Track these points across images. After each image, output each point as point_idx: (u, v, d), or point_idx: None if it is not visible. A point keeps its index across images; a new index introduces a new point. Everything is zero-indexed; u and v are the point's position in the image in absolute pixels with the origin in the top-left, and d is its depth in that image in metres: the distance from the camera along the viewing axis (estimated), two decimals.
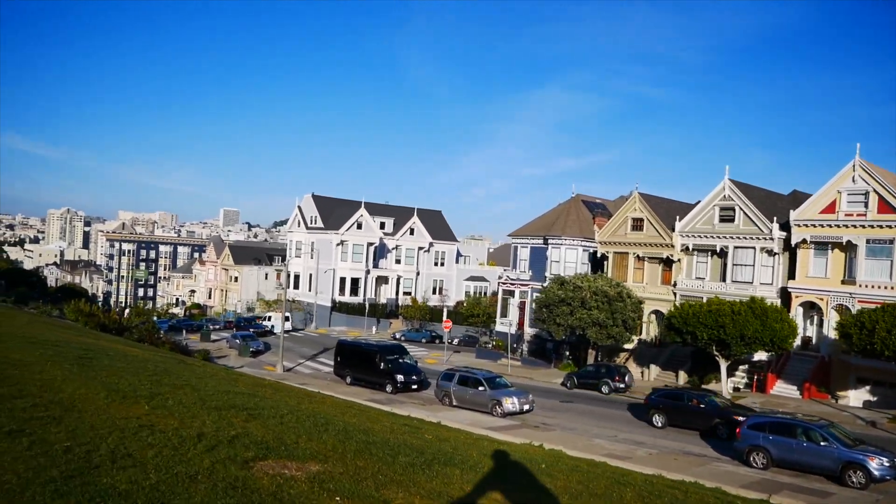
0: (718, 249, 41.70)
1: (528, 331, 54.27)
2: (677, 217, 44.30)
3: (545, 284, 51.43)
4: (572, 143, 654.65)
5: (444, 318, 73.63)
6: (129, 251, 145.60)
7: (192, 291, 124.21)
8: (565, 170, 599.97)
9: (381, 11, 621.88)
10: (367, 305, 71.09)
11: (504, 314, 56.49)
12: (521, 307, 54.62)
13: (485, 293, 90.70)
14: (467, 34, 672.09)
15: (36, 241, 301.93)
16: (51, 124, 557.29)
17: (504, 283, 55.85)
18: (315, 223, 77.63)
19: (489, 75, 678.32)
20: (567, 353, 49.63)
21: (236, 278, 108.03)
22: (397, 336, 65.46)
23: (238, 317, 67.14)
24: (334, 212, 78.05)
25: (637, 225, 45.99)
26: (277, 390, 18.39)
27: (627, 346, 44.29)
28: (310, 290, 77.12)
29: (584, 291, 39.02)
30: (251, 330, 56.11)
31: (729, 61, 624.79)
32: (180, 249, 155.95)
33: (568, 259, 51.06)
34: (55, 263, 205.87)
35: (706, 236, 42.18)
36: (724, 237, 41.33)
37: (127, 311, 71.85)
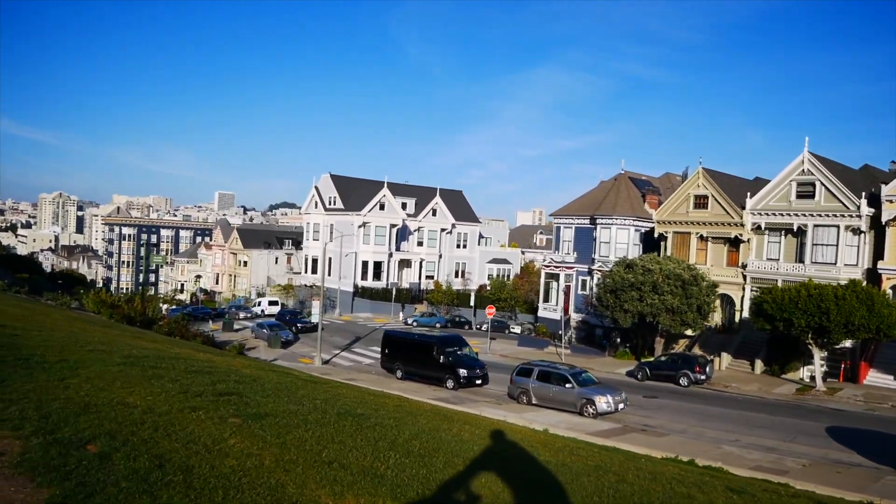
0: (795, 228, 38.41)
1: (574, 316, 51.11)
2: (748, 194, 40.93)
3: (594, 267, 48.16)
4: (570, 123, 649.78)
5: (472, 302, 70.50)
6: (129, 235, 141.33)
7: (198, 277, 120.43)
8: (563, 150, 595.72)
9: None
10: (393, 291, 67.69)
11: (546, 299, 53.22)
12: (567, 291, 51.35)
13: (508, 276, 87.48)
14: (462, 13, 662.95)
15: (28, 225, 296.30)
16: (40, 107, 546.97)
17: (547, 266, 52.51)
18: (334, 204, 73.92)
19: (485, 55, 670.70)
20: (618, 339, 46.52)
21: (245, 263, 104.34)
22: (409, 322, 62.15)
23: (284, 308, 63.35)
24: (354, 192, 74.34)
25: (701, 202, 42.62)
26: (396, 406, 15.00)
27: (688, 332, 41.15)
28: (329, 275, 73.58)
29: (655, 275, 35.71)
30: (298, 324, 51.95)
31: (726, 41, 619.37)
32: (182, 233, 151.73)
33: (619, 240, 47.71)
34: (50, 249, 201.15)
35: (782, 214, 38.85)
36: (803, 214, 38.00)
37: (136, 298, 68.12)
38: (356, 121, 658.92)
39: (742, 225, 40.34)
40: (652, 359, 37.32)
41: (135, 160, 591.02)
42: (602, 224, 48.28)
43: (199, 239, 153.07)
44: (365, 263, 71.09)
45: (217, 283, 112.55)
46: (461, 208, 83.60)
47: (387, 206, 72.23)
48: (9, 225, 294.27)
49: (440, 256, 79.56)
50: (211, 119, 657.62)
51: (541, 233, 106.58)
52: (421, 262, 77.22)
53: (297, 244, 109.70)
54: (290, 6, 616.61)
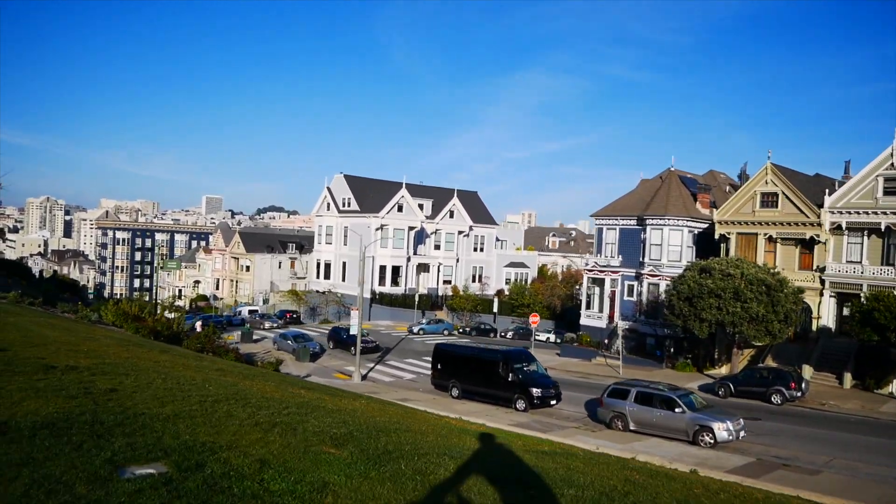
0: (883, 227, 35.13)
1: (621, 324, 47.60)
2: (825, 191, 37.64)
3: (643, 271, 44.73)
4: (554, 125, 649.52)
5: (495, 307, 66.95)
6: (123, 240, 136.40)
7: (197, 282, 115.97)
8: (548, 152, 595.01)
9: None
10: (416, 297, 63.98)
11: (589, 305, 49.69)
12: (612, 297, 47.85)
13: (526, 280, 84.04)
14: (446, 16, 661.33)
15: (15, 230, 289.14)
16: (23, 112, 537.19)
17: (591, 271, 48.95)
18: (348, 206, 70.07)
19: (469, 58, 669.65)
20: (671, 349, 43.09)
21: (248, 267, 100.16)
22: (415, 330, 58.26)
23: (336, 328, 57.89)
24: (368, 193, 70.57)
25: (769, 201, 39.28)
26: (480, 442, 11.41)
27: (757, 342, 37.72)
28: (344, 280, 69.76)
29: (735, 280, 32.26)
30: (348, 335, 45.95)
31: (711, 43, 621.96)
32: (177, 237, 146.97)
33: (671, 242, 44.29)
34: (40, 253, 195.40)
35: (867, 212, 35.56)
36: (893, 213, 34.74)
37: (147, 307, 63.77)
38: (340, 124, 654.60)
39: (819, 225, 37.03)
40: (723, 371, 33.81)
41: (120, 164, 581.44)
42: (652, 225, 44.84)
43: (194, 243, 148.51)
44: (383, 268, 67.26)
45: (217, 288, 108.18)
46: (477, 210, 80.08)
47: (405, 208, 68.52)
48: None
49: (457, 260, 75.95)
50: (195, 123, 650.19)
51: (553, 235, 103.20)
52: (439, 267, 73.54)
53: (301, 248, 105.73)
54: (273, 9, 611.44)
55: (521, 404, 28.05)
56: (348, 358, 43.66)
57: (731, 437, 21.94)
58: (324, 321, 64.99)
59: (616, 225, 48.02)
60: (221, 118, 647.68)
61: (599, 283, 48.51)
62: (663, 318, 41.60)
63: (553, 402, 28.42)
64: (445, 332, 60.90)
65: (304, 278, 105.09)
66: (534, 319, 44.91)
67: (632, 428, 23.96)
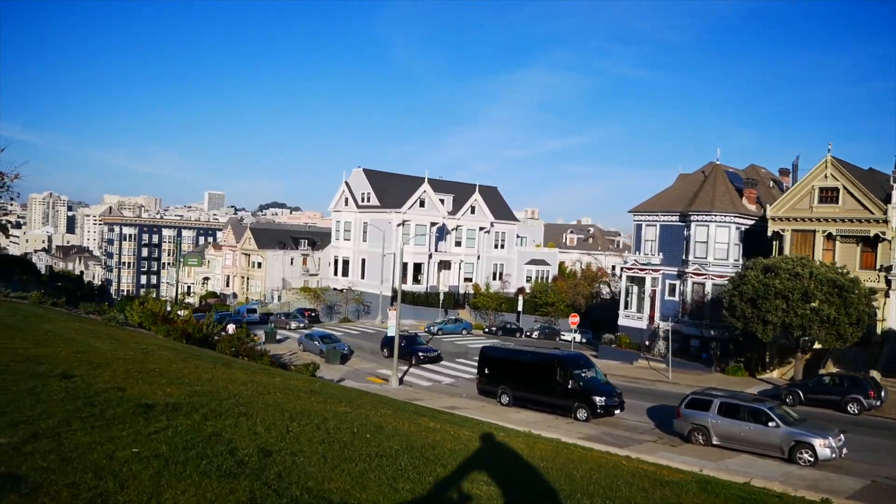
0: None
1: (662, 325, 45.51)
2: (881, 186, 35.50)
3: (687, 270, 42.59)
4: (556, 123, 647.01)
5: (519, 306, 64.87)
6: (130, 235, 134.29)
7: (206, 279, 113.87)
8: (550, 150, 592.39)
9: None
10: (440, 295, 61.92)
11: (627, 305, 47.56)
12: (652, 297, 45.71)
13: (547, 277, 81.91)
14: (448, 14, 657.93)
15: (18, 226, 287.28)
16: (26, 109, 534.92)
17: (630, 269, 46.78)
18: (368, 200, 67.91)
19: (471, 56, 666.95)
20: (718, 352, 40.94)
21: (259, 264, 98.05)
22: (433, 329, 55.96)
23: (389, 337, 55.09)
24: (388, 188, 68.42)
25: (829, 196, 37.09)
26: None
27: (826, 346, 35.50)
28: (362, 277, 67.65)
29: (804, 280, 30.11)
30: (420, 353, 40.74)
31: (712, 41, 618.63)
32: (184, 233, 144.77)
33: (718, 238, 42.12)
34: (44, 249, 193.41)
35: None
36: None
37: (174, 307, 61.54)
38: (341, 122, 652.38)
39: (886, 221, 34.84)
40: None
41: (122, 161, 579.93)
42: (697, 221, 42.66)
43: (201, 239, 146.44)
44: (405, 265, 65.03)
45: (227, 285, 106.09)
46: (498, 206, 77.91)
47: (427, 203, 66.37)
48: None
49: (478, 257, 73.83)
50: (196, 119, 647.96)
51: (571, 232, 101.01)
52: (460, 264, 71.44)
53: (313, 244, 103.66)
54: (275, 7, 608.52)
55: (582, 413, 25.96)
56: (379, 360, 41.62)
57: (833, 455, 19.85)
58: (343, 320, 62.89)
59: (656, 221, 45.86)
60: (223, 116, 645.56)
61: (639, 281, 46.36)
62: (710, 319, 39.50)
63: (616, 412, 26.35)
64: (464, 332, 58.85)
65: (317, 275, 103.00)
66: (573, 320, 42.86)
67: (715, 442, 21.87)
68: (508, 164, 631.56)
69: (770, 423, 20.75)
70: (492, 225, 74.34)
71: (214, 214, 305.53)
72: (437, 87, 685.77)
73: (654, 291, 45.57)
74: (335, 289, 70.79)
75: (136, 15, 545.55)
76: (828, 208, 37.04)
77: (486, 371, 30.58)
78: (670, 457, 19.46)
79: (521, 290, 73.31)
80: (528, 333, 62.35)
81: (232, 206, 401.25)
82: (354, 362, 41.41)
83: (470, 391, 32.96)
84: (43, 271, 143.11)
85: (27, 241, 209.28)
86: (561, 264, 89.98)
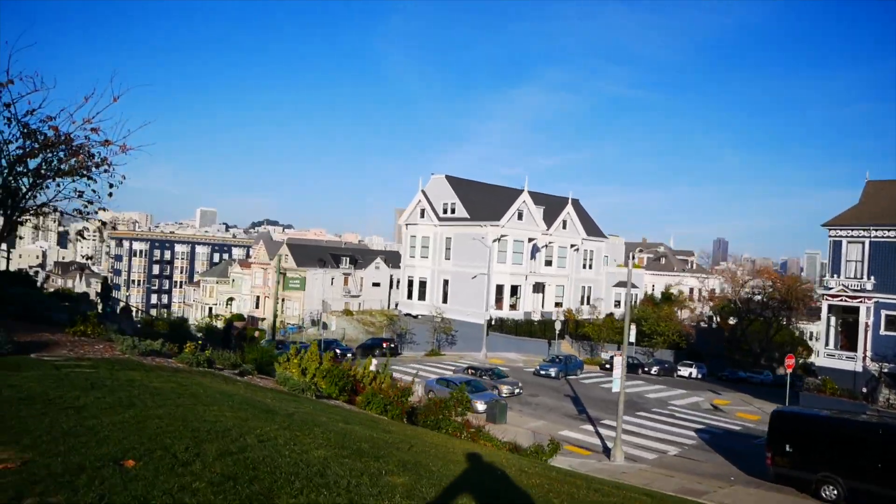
0: None
1: (871, 366, 36.47)
2: None
3: None
4: (549, 141, 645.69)
5: (632, 337, 55.54)
6: (141, 251, 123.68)
7: (231, 299, 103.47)
8: (543, 168, 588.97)
9: (357, 10, 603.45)
10: (557, 325, 52.49)
11: (827, 341, 38.45)
12: (865, 331, 36.67)
13: (635, 302, 72.86)
14: (444, 34, 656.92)
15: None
16: None
17: (834, 297, 37.65)
18: (453, 212, 58.64)
19: (466, 76, 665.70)
20: None
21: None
22: (542, 373, 43.62)
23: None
24: (474, 198, 59.27)
25: None
26: None
27: None
28: (444, 302, 58.12)
29: None
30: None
31: (706, 61, 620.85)
32: (198, 249, 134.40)
33: None
34: (39, 265, 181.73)
35: None
36: None
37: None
38: (335, 139, 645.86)
39: None
40: None
41: None
42: None
43: (216, 256, 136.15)
44: (500, 287, 55.69)
45: (257, 306, 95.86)
46: (585, 221, 68.95)
47: (525, 216, 57.19)
48: None
49: (567, 279, 64.67)
50: (189, 136, 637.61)
51: (640, 251, 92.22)
52: (553, 287, 62.23)
53: (354, 262, 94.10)
54: (275, 27, 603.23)
55: None
56: (543, 413, 32.02)
57: None
58: (431, 353, 53.19)
59: (864, 238, 36.98)
60: (213, 132, 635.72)
61: (852, 311, 37.29)
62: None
63: None
64: (579, 372, 48.13)
65: (359, 297, 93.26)
66: (789, 363, 33.59)
67: None
68: (503, 182, 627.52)
69: None
70: (581, 242, 65.35)
71: (206, 231, 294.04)
72: (432, 106, 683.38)
73: (867, 325, 36.51)
74: (408, 314, 61.19)
75: (127, 27, 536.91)
76: None
77: (790, 447, 21.18)
78: None
79: (609, 317, 64.19)
80: (646, 369, 53.25)
81: (224, 223, 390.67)
82: (513, 417, 31.66)
83: (718, 468, 23.77)
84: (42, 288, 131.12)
85: (20, 256, 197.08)
86: (667, 289, 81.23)
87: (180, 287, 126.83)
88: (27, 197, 15.89)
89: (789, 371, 33.05)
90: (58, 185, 16.06)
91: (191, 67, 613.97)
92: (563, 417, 31.64)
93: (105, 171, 15.97)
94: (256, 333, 57.38)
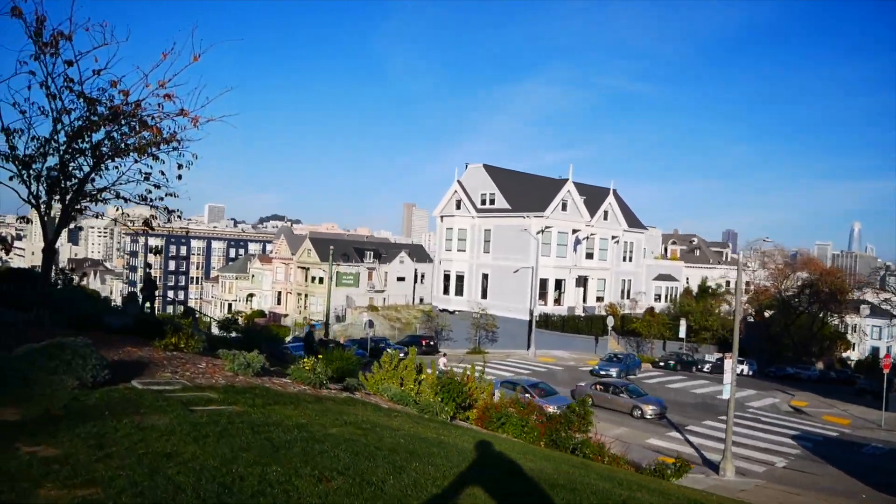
0: None
1: None
2: None
3: None
4: (555, 136, 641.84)
5: (682, 332, 52.76)
6: (156, 247, 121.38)
7: (251, 295, 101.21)
8: (548, 163, 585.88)
9: (359, 7, 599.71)
10: (606, 320, 49.91)
11: None
12: None
13: (675, 296, 70.05)
14: (448, 28, 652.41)
15: (19, 238, 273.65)
16: None
17: None
18: (492, 203, 55.92)
19: (470, 70, 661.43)
20: None
21: (321, 279, 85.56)
22: (601, 372, 40.07)
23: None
24: (514, 188, 56.54)
25: None
26: None
27: None
28: (484, 297, 55.49)
29: None
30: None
31: (711, 55, 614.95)
32: (214, 245, 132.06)
33: None
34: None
35: None
36: None
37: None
38: (340, 136, 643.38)
39: None
40: None
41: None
42: None
43: (232, 251, 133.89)
44: (544, 282, 52.97)
45: (279, 303, 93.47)
46: (624, 212, 66.05)
47: (570, 207, 54.42)
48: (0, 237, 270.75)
49: (608, 272, 61.91)
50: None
51: (673, 243, 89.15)
52: (595, 280, 59.50)
53: (379, 256, 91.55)
54: (277, 24, 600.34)
55: None
56: (622, 419, 29.35)
57: None
58: (474, 350, 50.53)
59: None
60: (221, 129, 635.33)
61: None
62: None
63: None
64: (637, 371, 45.25)
65: (383, 292, 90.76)
66: (886, 362, 30.80)
67: None
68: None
69: None
70: (622, 234, 62.54)
71: (215, 226, 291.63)
72: (436, 101, 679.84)
73: None
74: (443, 310, 58.57)
75: (131, 25, 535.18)
76: None
77: None
78: None
79: (650, 311, 61.42)
80: (700, 367, 50.66)
81: (232, 219, 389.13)
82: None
83: (840, 482, 21.10)
84: (58, 285, 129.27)
85: (32, 253, 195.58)
86: (704, 281, 78.26)
87: (197, 283, 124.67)
88: (89, 179, 13.27)
89: (886, 371, 30.19)
90: (117, 167, 13.49)
91: (199, 68, 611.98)
92: (643, 423, 28.99)
93: (174, 148, 13.39)
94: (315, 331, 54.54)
